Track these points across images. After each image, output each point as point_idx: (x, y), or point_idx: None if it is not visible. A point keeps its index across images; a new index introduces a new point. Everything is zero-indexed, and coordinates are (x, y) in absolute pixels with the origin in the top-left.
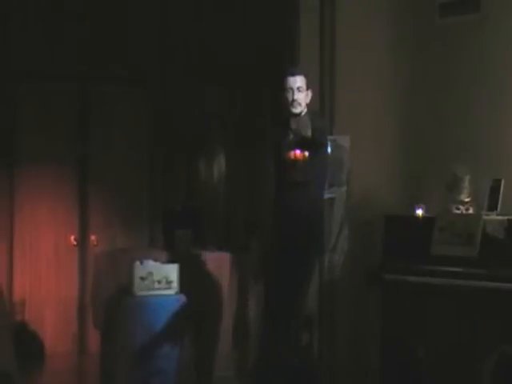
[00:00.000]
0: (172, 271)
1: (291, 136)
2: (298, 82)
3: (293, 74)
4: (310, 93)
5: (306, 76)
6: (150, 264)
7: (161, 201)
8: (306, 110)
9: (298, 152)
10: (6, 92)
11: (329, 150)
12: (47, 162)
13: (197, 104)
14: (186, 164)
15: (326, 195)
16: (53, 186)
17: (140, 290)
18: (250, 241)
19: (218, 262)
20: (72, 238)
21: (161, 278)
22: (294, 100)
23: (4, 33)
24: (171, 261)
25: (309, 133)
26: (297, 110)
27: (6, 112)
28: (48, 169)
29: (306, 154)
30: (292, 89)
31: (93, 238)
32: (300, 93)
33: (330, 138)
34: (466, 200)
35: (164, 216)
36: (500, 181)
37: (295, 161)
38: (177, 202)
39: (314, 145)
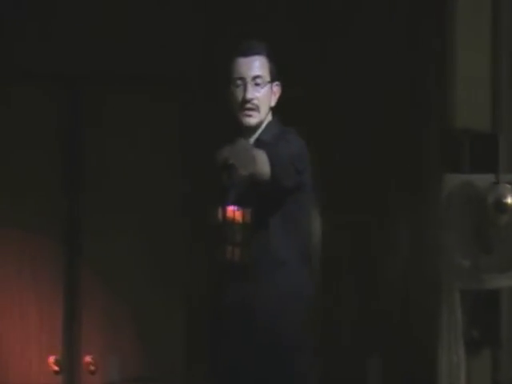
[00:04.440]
0: None
1: (225, 178)
2: (254, 67)
3: (245, 54)
4: (277, 89)
5: (270, 56)
6: None
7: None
8: (269, 120)
9: (230, 209)
10: None
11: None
12: (7, 228)
13: None
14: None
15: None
16: (18, 269)
17: None
18: None
19: None
20: (52, 359)
21: None
22: (245, 100)
23: None
24: None
25: (250, 168)
26: (252, 120)
27: None
28: (11, 242)
29: (247, 211)
30: (243, 79)
31: (88, 359)
32: (258, 88)
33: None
34: None
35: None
36: None
37: (227, 225)
38: None
39: (271, 191)
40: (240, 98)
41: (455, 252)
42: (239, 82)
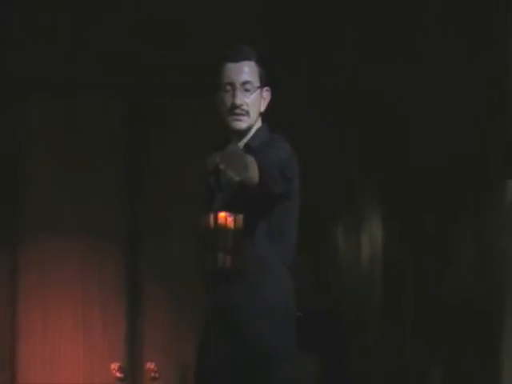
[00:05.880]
0: None
1: (215, 183)
2: (244, 72)
3: (234, 59)
4: (266, 94)
5: (259, 62)
6: None
7: None
8: (258, 126)
9: (222, 215)
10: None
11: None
12: (71, 231)
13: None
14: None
15: None
16: (81, 275)
17: None
18: None
19: None
20: (115, 366)
21: None
22: (235, 106)
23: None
24: None
25: (242, 174)
26: (241, 124)
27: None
28: (73, 245)
29: (239, 218)
30: (233, 85)
31: (150, 366)
32: (248, 93)
33: None
34: None
35: None
36: None
37: (217, 231)
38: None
39: (259, 197)
40: (229, 103)
41: None
42: (228, 87)
